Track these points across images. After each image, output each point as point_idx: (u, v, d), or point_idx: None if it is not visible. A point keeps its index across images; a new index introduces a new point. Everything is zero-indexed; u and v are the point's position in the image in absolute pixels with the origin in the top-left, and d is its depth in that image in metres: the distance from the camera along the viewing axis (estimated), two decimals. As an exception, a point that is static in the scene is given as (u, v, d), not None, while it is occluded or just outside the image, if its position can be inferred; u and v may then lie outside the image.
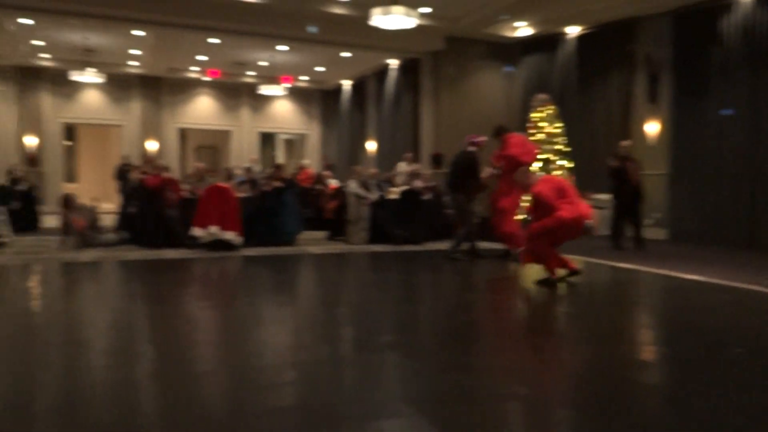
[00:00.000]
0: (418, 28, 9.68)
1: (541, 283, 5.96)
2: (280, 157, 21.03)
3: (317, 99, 19.14)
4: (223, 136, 18.82)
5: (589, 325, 4.65)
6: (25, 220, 10.73)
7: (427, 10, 11.17)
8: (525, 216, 6.51)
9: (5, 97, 15.58)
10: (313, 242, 9.55)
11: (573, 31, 12.03)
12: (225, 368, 3.47)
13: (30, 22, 11.76)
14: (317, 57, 14.87)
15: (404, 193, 9.88)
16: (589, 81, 11.78)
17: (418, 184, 10.33)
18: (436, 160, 12.72)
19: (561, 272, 6.01)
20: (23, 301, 5.72)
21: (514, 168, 7.28)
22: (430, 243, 9.43)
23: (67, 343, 4.04)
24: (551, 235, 5.87)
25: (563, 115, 9.86)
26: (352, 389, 3.13)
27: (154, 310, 5.16)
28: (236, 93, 17.97)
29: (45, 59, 15.14)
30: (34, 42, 13.45)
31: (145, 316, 4.90)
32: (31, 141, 15.65)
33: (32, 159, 15.34)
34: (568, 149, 9.43)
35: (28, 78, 15.66)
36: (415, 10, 9.16)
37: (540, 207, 5.89)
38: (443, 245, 8.59)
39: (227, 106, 18.07)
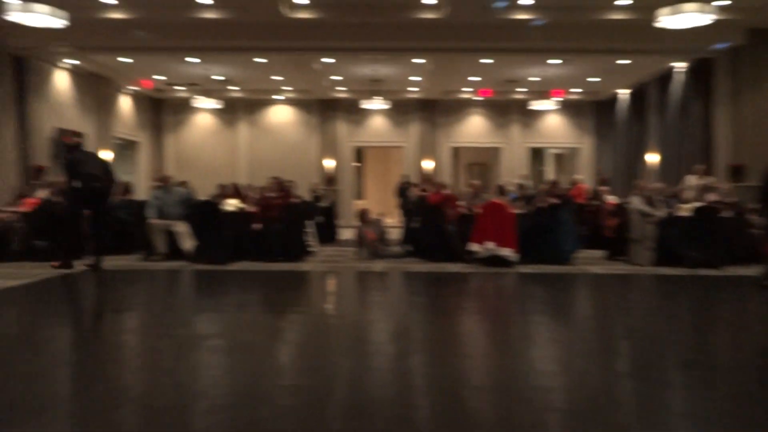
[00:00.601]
0: (712, 23, 8.63)
1: None
2: (549, 172, 20.64)
3: (590, 111, 18.35)
4: (493, 153, 19.19)
5: None
6: (327, 232, 12.27)
7: (724, 2, 9.90)
8: None
9: (310, 126, 18.25)
10: (592, 261, 9.10)
11: None
12: (496, 383, 3.54)
13: (331, 60, 13.58)
14: (591, 67, 14.26)
15: (698, 210, 8.83)
16: None
17: (713, 198, 9.16)
18: (736, 172, 11.19)
19: None
20: (325, 304, 6.70)
21: None
22: (731, 267, 8.27)
23: (358, 343, 4.55)
24: None
25: None
26: (640, 423, 2.88)
27: (434, 319, 5.53)
28: (506, 110, 18.20)
29: (340, 91, 17.37)
30: (333, 77, 15.50)
31: (426, 325, 5.27)
32: (329, 163, 18.03)
33: (330, 179, 17.61)
34: None
35: (327, 109, 18.11)
36: (710, 4, 8.20)
37: None
38: (750, 270, 7.46)
39: (497, 123, 18.40)
